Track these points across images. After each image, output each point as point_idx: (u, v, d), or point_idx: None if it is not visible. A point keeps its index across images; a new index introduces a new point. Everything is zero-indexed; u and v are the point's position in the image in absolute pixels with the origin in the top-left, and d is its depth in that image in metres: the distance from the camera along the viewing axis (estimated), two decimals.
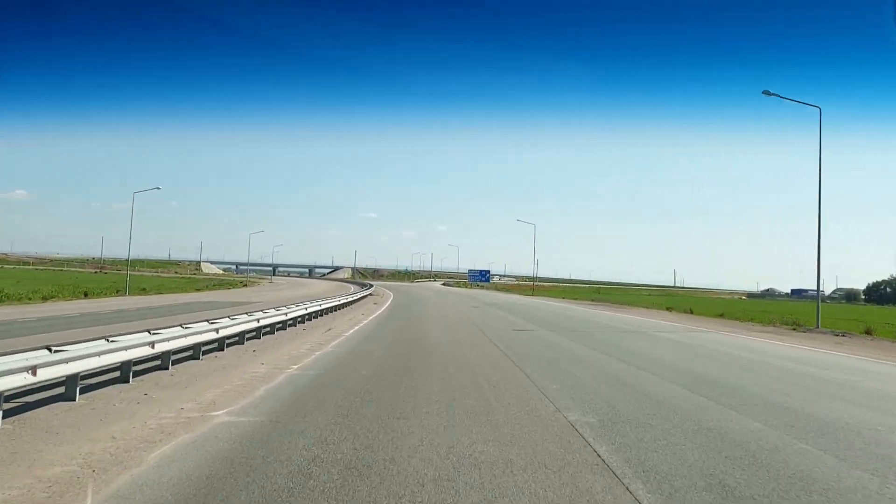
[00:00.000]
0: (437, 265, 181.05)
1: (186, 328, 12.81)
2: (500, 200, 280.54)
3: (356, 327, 22.25)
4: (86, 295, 41.11)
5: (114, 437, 6.60)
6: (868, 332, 26.29)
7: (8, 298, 33.18)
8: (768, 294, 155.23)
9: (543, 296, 78.02)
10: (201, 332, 13.07)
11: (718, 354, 17.15)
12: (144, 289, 52.38)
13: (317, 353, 14.39)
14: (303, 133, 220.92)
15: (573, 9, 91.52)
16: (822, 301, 34.29)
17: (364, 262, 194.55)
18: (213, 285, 74.43)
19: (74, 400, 8.28)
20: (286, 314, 19.73)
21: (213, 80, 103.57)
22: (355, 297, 41.80)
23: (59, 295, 38.61)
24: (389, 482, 5.22)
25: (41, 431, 6.81)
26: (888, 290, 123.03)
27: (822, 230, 29.81)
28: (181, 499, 4.81)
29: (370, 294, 53.81)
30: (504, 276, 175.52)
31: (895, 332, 27.38)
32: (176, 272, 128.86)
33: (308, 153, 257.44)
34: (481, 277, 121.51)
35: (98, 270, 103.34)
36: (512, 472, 5.58)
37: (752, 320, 35.90)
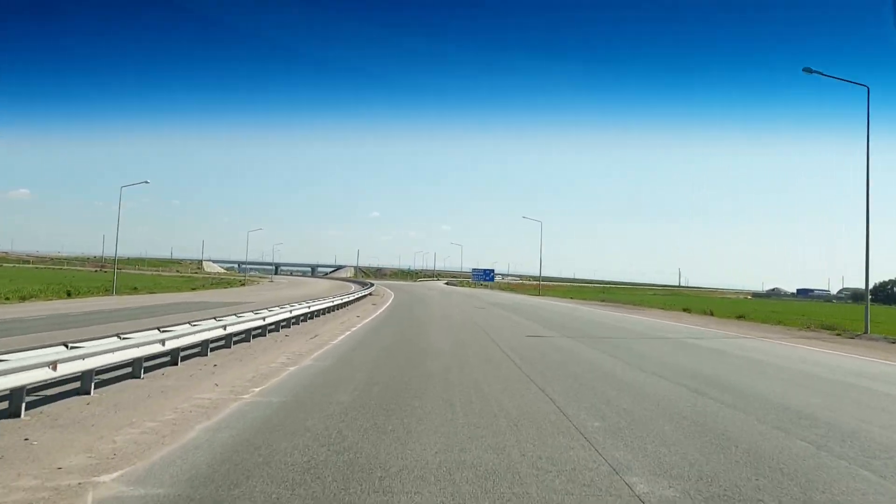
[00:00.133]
0: (441, 264, 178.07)
1: (125, 338, 10.18)
2: (501, 200, 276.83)
3: (348, 332, 19.51)
4: (69, 294, 39.09)
5: None
6: None
7: None
8: (774, 294, 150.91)
9: (549, 296, 75.36)
10: (143, 345, 10.40)
11: (788, 373, 13.86)
12: (135, 288, 50.18)
13: (291, 369, 11.68)
14: (304, 133, 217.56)
15: (573, 9, 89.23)
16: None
17: (367, 261, 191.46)
18: (211, 284, 73.10)
19: None
20: (264, 319, 16.90)
21: (214, 80, 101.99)
22: (352, 298, 39.19)
23: (42, 294, 36.57)
24: None
25: None
26: (895, 289, 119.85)
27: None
28: None
29: (370, 294, 51.25)
30: (507, 275, 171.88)
31: None
32: (177, 271, 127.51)
33: (310, 153, 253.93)
34: (485, 277, 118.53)
35: (98, 269, 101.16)
36: None
37: (780, 323, 32.94)
